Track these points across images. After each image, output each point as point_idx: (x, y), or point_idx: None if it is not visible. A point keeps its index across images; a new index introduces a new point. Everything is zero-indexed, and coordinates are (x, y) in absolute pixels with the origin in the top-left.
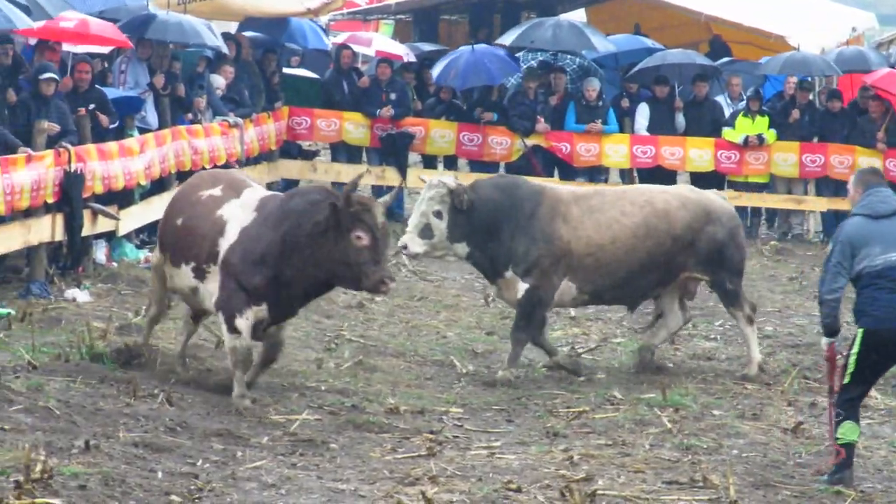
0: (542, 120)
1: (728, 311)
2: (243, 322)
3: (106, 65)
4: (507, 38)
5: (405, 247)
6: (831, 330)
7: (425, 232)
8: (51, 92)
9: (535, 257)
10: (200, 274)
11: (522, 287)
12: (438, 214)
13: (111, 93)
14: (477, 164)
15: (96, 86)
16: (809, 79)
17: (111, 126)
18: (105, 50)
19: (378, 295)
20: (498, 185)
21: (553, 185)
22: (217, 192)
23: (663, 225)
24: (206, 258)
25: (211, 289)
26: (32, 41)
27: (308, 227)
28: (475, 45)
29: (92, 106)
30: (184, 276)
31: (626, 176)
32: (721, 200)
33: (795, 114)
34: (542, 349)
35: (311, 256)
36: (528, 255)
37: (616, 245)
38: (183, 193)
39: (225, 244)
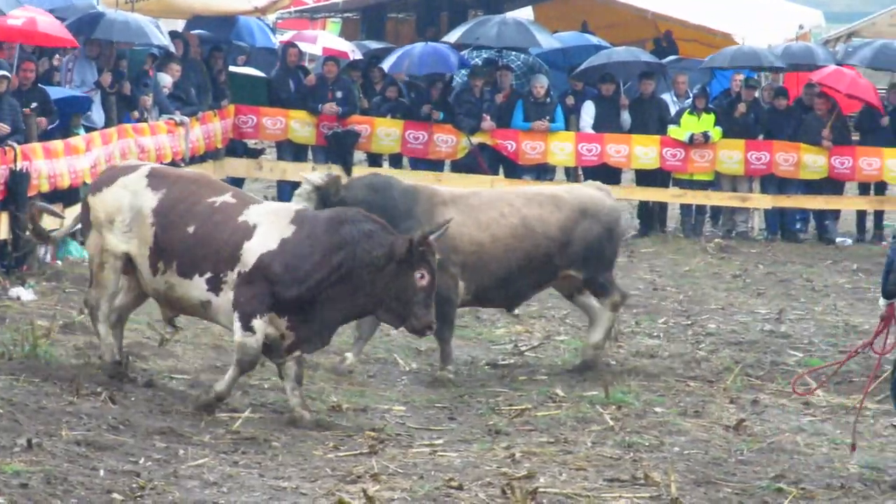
0: (488, 118)
1: (599, 302)
2: (261, 324)
3: (58, 60)
4: (453, 36)
5: None
6: (892, 294)
7: None
8: (2, 90)
9: None
10: (216, 284)
11: None
12: None
13: (59, 92)
14: (422, 163)
15: (39, 85)
16: (756, 76)
17: (50, 127)
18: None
19: (417, 337)
20: (371, 184)
21: (430, 185)
22: (229, 198)
23: (539, 227)
24: (224, 265)
25: (224, 301)
26: None
27: (367, 257)
28: (426, 42)
29: (34, 105)
30: (194, 287)
31: (571, 174)
32: (600, 194)
33: (741, 107)
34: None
35: (363, 287)
36: None
37: (496, 244)
38: (183, 200)
39: (258, 249)
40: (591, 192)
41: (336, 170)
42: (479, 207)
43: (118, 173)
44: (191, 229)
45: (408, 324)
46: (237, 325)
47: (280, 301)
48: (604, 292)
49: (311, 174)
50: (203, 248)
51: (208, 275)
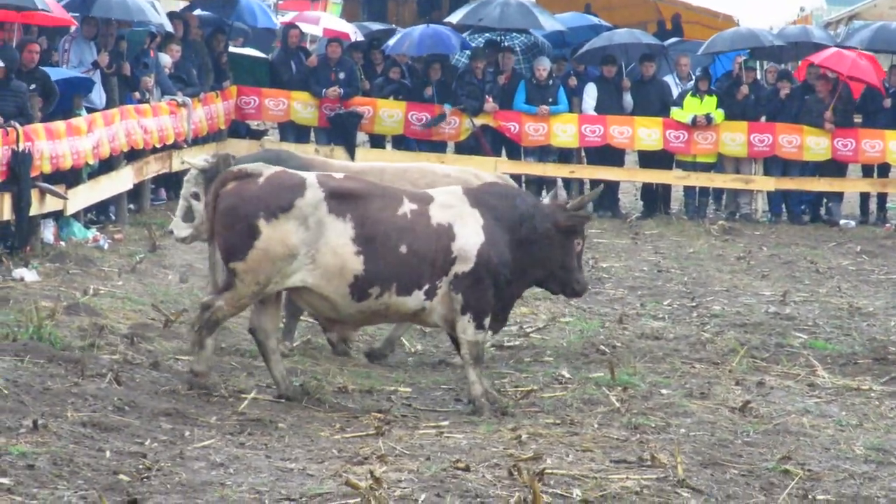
0: (491, 99)
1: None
2: (489, 320)
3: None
4: (455, 17)
5: (171, 232)
6: None
7: (188, 215)
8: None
9: None
10: (432, 292)
11: None
12: (196, 196)
13: (61, 73)
14: (425, 144)
15: (40, 67)
16: (754, 61)
17: (51, 110)
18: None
19: (575, 299)
20: (258, 159)
21: (326, 160)
22: (410, 204)
23: None
24: (439, 272)
25: (437, 304)
26: None
27: (540, 229)
28: (429, 24)
29: (33, 86)
30: (413, 300)
31: (574, 155)
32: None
33: (744, 89)
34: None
35: (538, 259)
36: None
37: None
38: (377, 220)
39: (472, 246)
40: (496, 179)
41: (339, 151)
42: None
43: (288, 193)
44: (403, 249)
45: (569, 289)
46: (470, 325)
47: (498, 288)
48: None
49: (195, 158)
50: (420, 265)
51: (426, 286)
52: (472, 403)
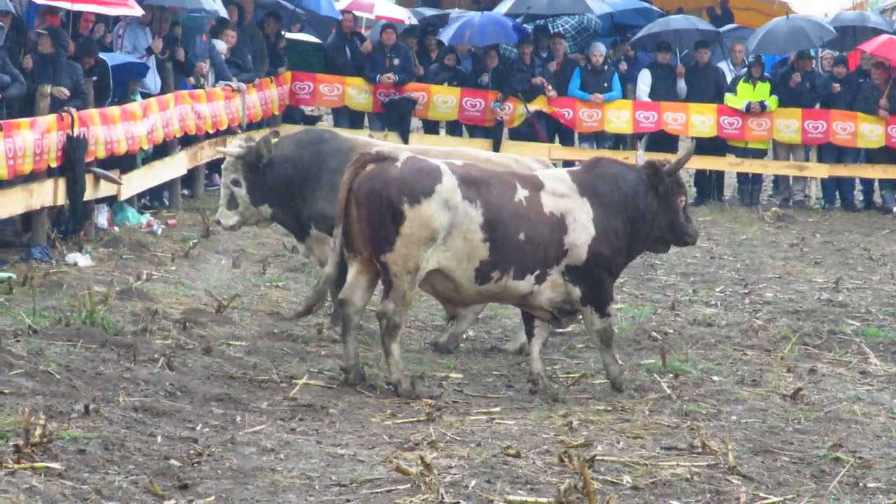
0: (550, 86)
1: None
2: (613, 306)
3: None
4: (504, 6)
5: (218, 222)
6: None
7: (231, 203)
8: (48, 50)
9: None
10: (542, 277)
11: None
12: (236, 183)
13: (117, 58)
14: (479, 130)
15: (100, 55)
16: (813, 51)
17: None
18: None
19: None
20: (301, 140)
21: (371, 140)
22: (524, 191)
23: None
24: (552, 261)
25: (545, 288)
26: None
27: (643, 205)
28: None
29: (94, 77)
30: (524, 284)
31: (628, 141)
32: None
33: (797, 77)
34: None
35: (646, 233)
36: (332, 212)
37: None
38: (500, 207)
39: (584, 241)
40: (535, 164)
41: (393, 137)
42: None
43: (428, 179)
44: (521, 236)
45: (679, 243)
46: (594, 315)
47: (615, 276)
48: None
49: (229, 146)
50: (534, 252)
51: (537, 272)
52: (612, 384)
